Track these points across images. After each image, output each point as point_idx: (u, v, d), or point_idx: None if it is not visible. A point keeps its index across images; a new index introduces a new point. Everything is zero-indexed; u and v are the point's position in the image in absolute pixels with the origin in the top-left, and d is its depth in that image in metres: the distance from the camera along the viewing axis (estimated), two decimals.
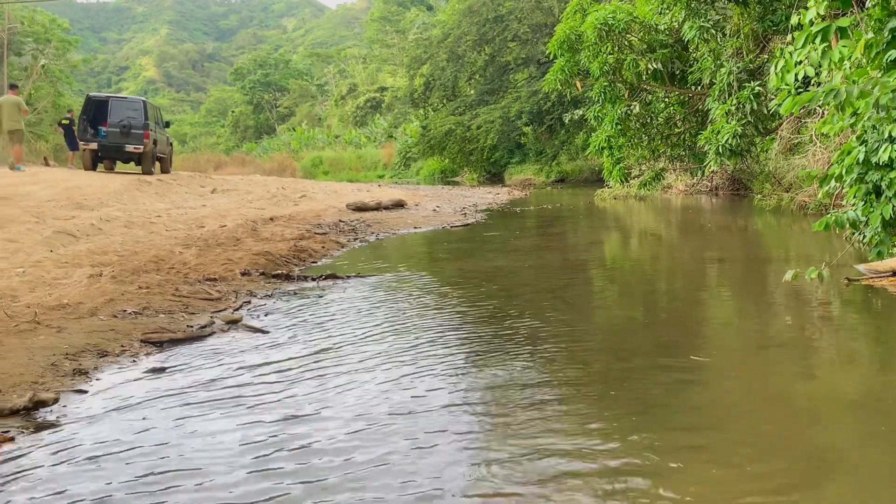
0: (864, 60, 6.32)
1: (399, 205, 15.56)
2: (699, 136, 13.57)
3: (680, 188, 18.57)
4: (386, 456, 2.93)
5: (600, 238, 11.47)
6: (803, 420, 3.35)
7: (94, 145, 18.22)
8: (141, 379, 3.96)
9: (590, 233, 12.31)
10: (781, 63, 6.72)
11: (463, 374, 4.02)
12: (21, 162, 16.77)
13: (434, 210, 15.43)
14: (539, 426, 3.22)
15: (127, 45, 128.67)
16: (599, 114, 15.49)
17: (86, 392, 3.72)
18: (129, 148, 18.17)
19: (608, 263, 8.91)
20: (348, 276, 7.09)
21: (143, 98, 20.55)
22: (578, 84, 15.64)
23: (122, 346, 4.48)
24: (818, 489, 2.68)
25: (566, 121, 25.41)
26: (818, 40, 6.30)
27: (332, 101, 65.00)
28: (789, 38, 6.78)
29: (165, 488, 2.69)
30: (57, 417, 3.37)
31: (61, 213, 10.17)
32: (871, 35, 6.22)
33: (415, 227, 12.16)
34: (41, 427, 3.27)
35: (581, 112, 20.13)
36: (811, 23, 6.43)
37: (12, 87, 18.73)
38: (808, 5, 6.56)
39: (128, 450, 3.03)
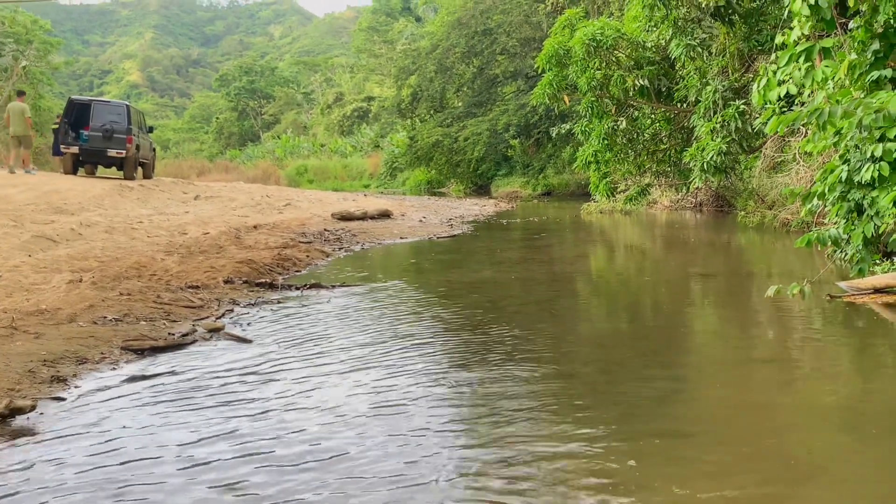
0: (848, 81, 6.41)
1: (385, 215, 15.52)
2: (684, 153, 13.66)
3: (665, 204, 18.70)
4: (359, 460, 2.89)
5: (586, 251, 11.51)
6: (785, 430, 3.37)
7: (75, 149, 17.99)
8: (121, 386, 3.89)
9: (576, 246, 12.34)
10: (764, 81, 6.78)
11: (446, 383, 3.99)
12: (28, 165, 17.11)
13: (420, 221, 15.42)
14: (521, 435, 3.20)
15: (110, 48, 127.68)
16: (586, 128, 15.55)
17: (64, 399, 3.64)
18: (112, 152, 17.94)
19: (594, 277, 8.93)
20: (333, 286, 7.04)
21: (127, 102, 20.36)
22: (566, 98, 15.70)
23: (102, 353, 4.40)
24: (799, 496, 2.71)
25: (553, 134, 25.55)
26: (802, 59, 6.38)
27: (318, 110, 64.87)
28: (773, 56, 6.85)
29: (141, 498, 2.63)
30: (34, 425, 3.30)
31: (40, 217, 10.03)
32: (854, 56, 6.31)
33: (401, 238, 12.13)
34: (17, 435, 3.19)
35: (568, 126, 20.23)
36: (795, 42, 6.50)
37: (20, 93, 18.65)
38: (792, 25, 6.65)
39: (106, 458, 2.97)
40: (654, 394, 3.85)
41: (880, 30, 6.22)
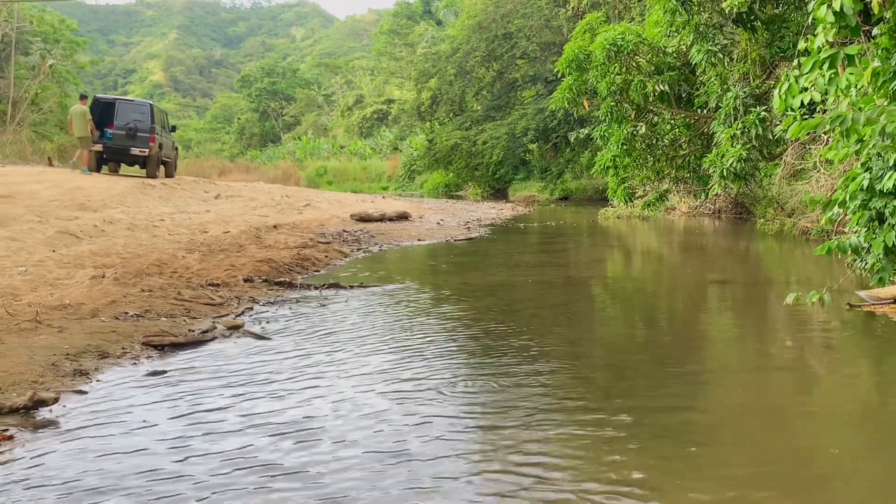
0: (871, 89, 6.35)
1: (403, 217, 15.58)
2: (704, 159, 13.60)
3: (683, 210, 18.59)
4: (374, 470, 2.92)
5: (603, 256, 11.48)
6: (801, 438, 3.37)
7: (99, 147, 18.24)
8: (141, 381, 3.96)
9: (592, 251, 12.32)
10: (786, 86, 6.73)
11: (459, 384, 4.01)
12: (85, 164, 17.55)
13: (438, 223, 15.46)
14: (535, 437, 3.22)
15: (135, 48, 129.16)
16: (606, 133, 15.52)
17: (86, 393, 3.72)
18: (135, 151, 18.17)
19: (610, 281, 8.92)
20: (351, 286, 7.09)
21: (150, 101, 20.59)
22: (585, 103, 15.69)
23: (123, 348, 4.48)
24: (815, 501, 2.71)
25: (572, 139, 25.52)
26: (826, 66, 6.33)
27: (339, 112, 65.19)
28: (795, 62, 6.81)
29: (160, 490, 2.68)
30: (56, 417, 3.37)
31: (64, 213, 10.20)
32: (878, 64, 6.26)
33: (418, 240, 12.18)
34: (40, 426, 3.26)
35: (587, 131, 20.21)
36: (819, 49, 6.46)
37: (82, 97, 19.13)
38: (816, 32, 6.60)
39: (126, 451, 3.03)
40: (670, 399, 3.85)
41: None
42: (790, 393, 4.07)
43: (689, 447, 3.18)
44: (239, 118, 76.05)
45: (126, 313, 5.23)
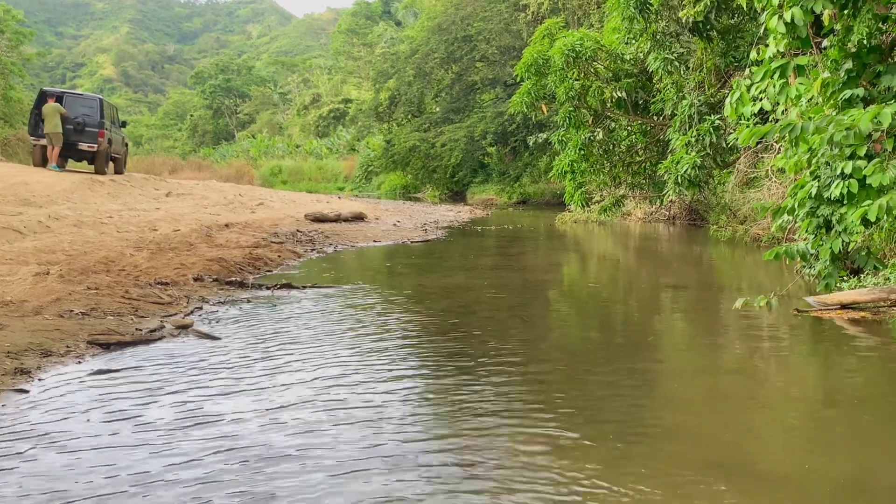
0: (821, 99, 6.52)
1: (359, 217, 15.45)
2: (659, 166, 13.81)
3: (639, 215, 18.87)
4: (316, 455, 2.86)
5: (559, 260, 11.56)
6: (747, 436, 3.42)
7: (45, 141, 17.65)
8: (85, 380, 3.81)
9: (549, 255, 12.40)
10: (737, 95, 6.86)
11: (411, 385, 3.97)
12: (55, 162, 17.21)
13: (394, 225, 15.38)
14: (487, 436, 3.20)
15: (84, 41, 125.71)
16: (563, 138, 15.64)
17: (27, 392, 3.56)
18: (83, 146, 17.63)
19: (566, 285, 8.97)
20: (304, 287, 6.98)
21: (100, 96, 20.01)
22: (544, 108, 15.78)
23: (68, 346, 4.31)
24: (758, 497, 2.74)
25: (530, 143, 25.65)
26: (776, 76, 6.48)
27: (295, 111, 64.53)
28: (747, 72, 6.94)
29: (100, 492, 2.57)
30: None
31: (7, 208, 9.83)
32: (827, 74, 6.43)
33: (374, 241, 12.09)
34: None
35: (545, 135, 20.34)
36: (770, 59, 6.61)
37: (50, 95, 18.56)
38: (768, 42, 6.75)
39: (68, 451, 2.90)
40: (621, 400, 3.87)
41: (853, 49, 6.35)
42: (738, 394, 4.12)
43: (640, 447, 3.20)
44: (192, 115, 74.72)
45: (71, 311, 5.05)
